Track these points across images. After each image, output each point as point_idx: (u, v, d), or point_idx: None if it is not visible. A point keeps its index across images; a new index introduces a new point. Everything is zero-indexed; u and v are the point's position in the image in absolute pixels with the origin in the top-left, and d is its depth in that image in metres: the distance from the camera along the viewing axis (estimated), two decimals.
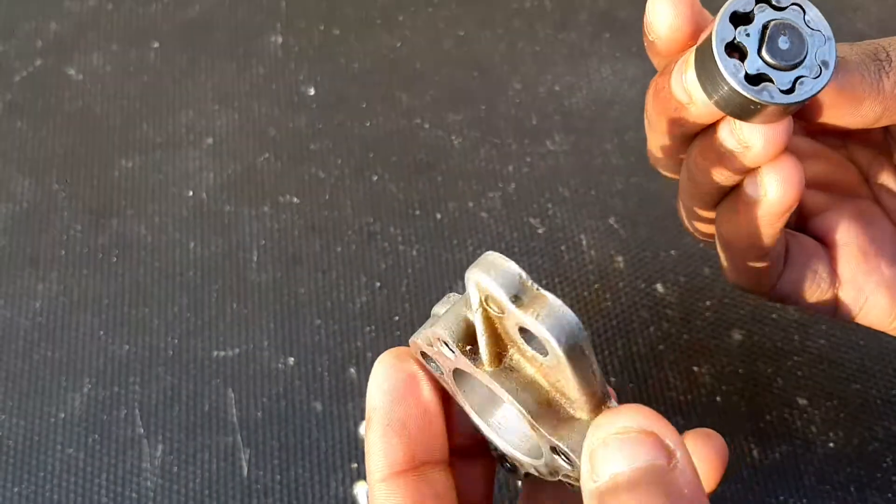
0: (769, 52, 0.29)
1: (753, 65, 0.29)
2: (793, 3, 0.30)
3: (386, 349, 0.47)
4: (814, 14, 0.30)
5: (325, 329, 0.48)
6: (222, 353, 0.47)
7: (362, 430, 0.45)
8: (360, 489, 0.43)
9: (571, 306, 0.46)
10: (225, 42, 0.58)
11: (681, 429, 0.44)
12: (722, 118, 0.33)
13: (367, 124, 0.55)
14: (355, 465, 0.45)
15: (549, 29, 0.59)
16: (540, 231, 0.51)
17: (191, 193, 0.52)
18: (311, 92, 0.56)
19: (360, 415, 0.46)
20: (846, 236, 0.38)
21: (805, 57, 0.30)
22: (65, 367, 0.47)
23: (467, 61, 0.58)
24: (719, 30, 0.29)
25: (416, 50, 0.58)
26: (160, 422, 0.46)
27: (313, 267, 0.50)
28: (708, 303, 0.49)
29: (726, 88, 0.30)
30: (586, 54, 0.58)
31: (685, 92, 0.33)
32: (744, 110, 0.31)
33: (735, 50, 0.30)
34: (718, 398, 0.47)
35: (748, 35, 0.29)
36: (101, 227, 0.51)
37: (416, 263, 0.50)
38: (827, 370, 0.48)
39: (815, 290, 0.38)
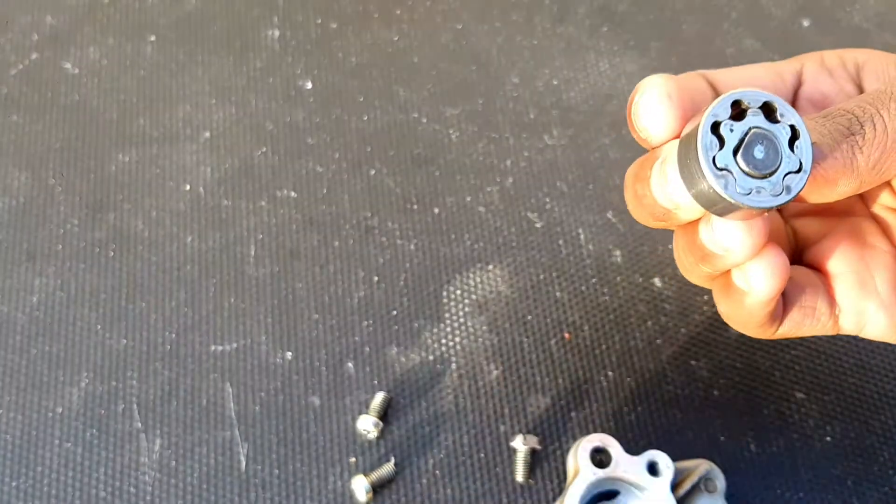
0: (744, 159, 0.30)
1: (740, 177, 0.30)
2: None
3: (384, 343, 0.47)
4: (785, 110, 0.30)
5: (322, 323, 0.48)
6: (220, 348, 0.47)
7: (360, 424, 0.45)
8: (357, 484, 0.43)
9: (569, 301, 0.46)
10: (222, 36, 0.58)
11: (678, 423, 0.45)
12: (700, 218, 0.33)
13: (365, 118, 0.55)
14: (353, 460, 0.45)
15: (547, 23, 0.59)
16: (538, 225, 0.51)
17: (188, 188, 0.52)
18: (309, 86, 0.56)
19: (358, 409, 0.46)
20: (842, 265, 0.39)
21: (781, 160, 0.30)
22: (62, 362, 0.47)
23: (465, 55, 0.57)
24: (703, 142, 0.30)
25: (413, 44, 0.58)
26: (158, 416, 0.46)
27: (311, 261, 0.50)
28: (706, 297, 0.49)
29: (713, 194, 0.31)
30: (584, 48, 0.58)
31: (670, 201, 0.33)
32: (725, 210, 0.32)
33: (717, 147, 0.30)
34: (716, 392, 0.47)
35: (732, 130, 0.30)
36: (98, 222, 0.51)
37: (413, 258, 0.50)
38: (824, 365, 0.48)
39: (815, 326, 0.39)
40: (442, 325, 0.48)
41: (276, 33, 0.58)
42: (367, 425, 0.44)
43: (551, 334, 0.48)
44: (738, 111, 0.31)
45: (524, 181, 0.53)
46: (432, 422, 0.46)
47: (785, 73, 0.39)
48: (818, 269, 0.40)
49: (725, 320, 0.39)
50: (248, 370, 0.47)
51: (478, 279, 0.50)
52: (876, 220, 0.41)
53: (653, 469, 0.41)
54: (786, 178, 0.31)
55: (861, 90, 0.39)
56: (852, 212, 0.41)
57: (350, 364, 0.47)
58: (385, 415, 0.46)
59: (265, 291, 0.49)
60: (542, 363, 0.47)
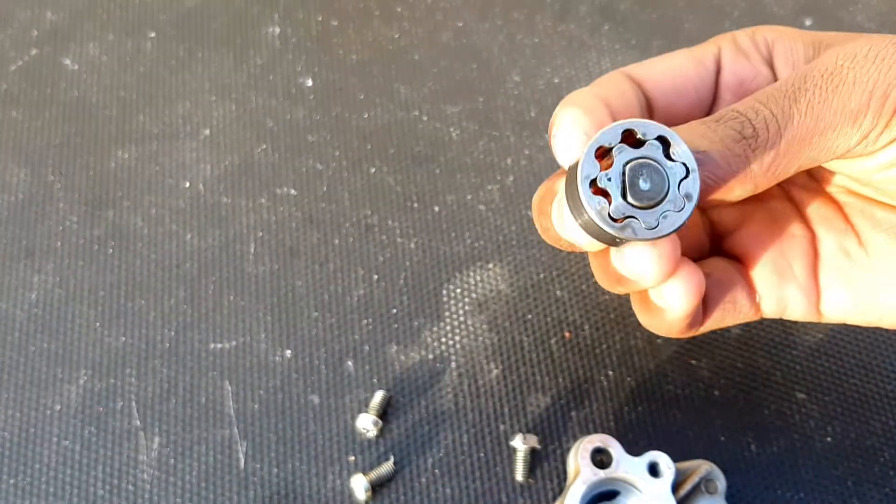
0: (632, 195, 0.30)
1: (618, 210, 0.30)
2: (655, 138, 0.30)
3: (383, 342, 0.47)
4: (677, 145, 0.30)
5: (322, 322, 0.48)
6: (219, 346, 0.47)
7: (359, 423, 0.44)
8: (356, 482, 0.43)
9: (570, 299, 0.46)
10: (222, 32, 0.58)
11: (678, 423, 0.44)
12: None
13: (366, 116, 0.55)
14: (352, 458, 0.44)
15: (549, 21, 0.59)
16: None
17: (188, 185, 0.52)
18: (309, 83, 0.56)
19: (357, 408, 0.46)
20: (759, 252, 0.40)
21: (667, 192, 0.30)
22: (61, 359, 0.47)
23: (466, 53, 0.57)
24: (584, 167, 0.30)
25: (414, 41, 0.58)
26: (157, 414, 0.45)
27: (311, 259, 0.50)
28: None
29: (596, 226, 0.31)
30: (586, 47, 0.58)
31: (571, 237, 0.34)
32: (616, 243, 0.33)
33: (599, 190, 0.30)
34: (717, 392, 0.47)
35: (609, 179, 0.30)
36: (97, 219, 0.51)
37: (413, 256, 0.50)
38: (825, 365, 0.48)
39: (737, 316, 0.40)
40: (442, 324, 0.48)
41: (277, 30, 0.58)
42: (367, 424, 0.44)
43: (551, 333, 0.48)
44: (630, 140, 0.31)
45: (525, 180, 0.53)
46: (432, 421, 0.45)
47: (705, 59, 0.39)
48: (737, 258, 0.41)
49: (647, 328, 0.40)
50: (247, 368, 0.47)
51: (478, 278, 0.49)
52: (794, 203, 0.41)
53: (653, 470, 0.41)
54: (681, 186, 0.30)
55: (773, 70, 0.39)
56: (769, 195, 0.41)
57: (349, 362, 0.47)
58: (384, 413, 0.45)
59: (265, 289, 0.49)
60: (542, 362, 0.47)
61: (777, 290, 0.39)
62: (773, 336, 0.48)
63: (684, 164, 0.30)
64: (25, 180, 0.52)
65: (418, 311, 0.48)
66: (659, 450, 0.41)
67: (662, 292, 0.35)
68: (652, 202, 0.30)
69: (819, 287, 0.39)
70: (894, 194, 0.36)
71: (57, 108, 0.54)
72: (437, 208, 0.52)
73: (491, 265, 0.50)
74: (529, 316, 0.48)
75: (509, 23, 0.59)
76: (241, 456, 0.45)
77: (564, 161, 0.34)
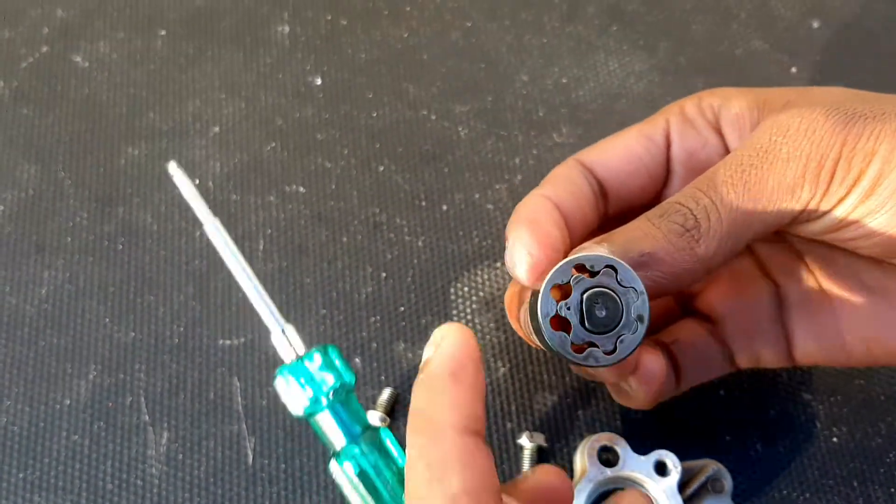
0: (590, 323, 0.33)
1: (579, 337, 0.33)
2: (606, 266, 0.32)
3: (391, 340, 0.47)
4: (624, 273, 0.32)
5: (330, 319, 0.48)
6: (228, 342, 0.47)
7: (367, 419, 0.45)
8: (371, 415, 0.43)
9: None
10: (232, 31, 0.58)
11: (684, 422, 0.44)
12: None
13: (374, 115, 0.55)
14: None
15: (557, 21, 0.59)
16: None
17: (197, 182, 0.52)
18: (318, 82, 0.56)
19: (365, 405, 0.46)
20: (726, 311, 0.41)
21: (622, 317, 0.32)
22: (70, 354, 0.47)
23: (474, 53, 0.58)
24: (542, 306, 0.33)
25: (423, 41, 0.58)
26: (165, 409, 0.46)
27: (319, 257, 0.50)
28: None
29: (558, 355, 0.33)
30: (594, 47, 0.58)
31: (535, 343, 0.37)
32: (581, 367, 0.36)
33: (561, 319, 0.33)
34: (723, 392, 0.47)
35: (569, 308, 0.33)
36: (107, 215, 0.51)
37: (421, 254, 0.50)
38: (831, 366, 0.48)
39: (711, 374, 0.42)
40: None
41: (286, 29, 0.58)
42: (375, 421, 0.44)
43: None
44: (582, 272, 0.33)
45: (533, 179, 0.53)
46: None
47: (655, 135, 0.41)
48: (707, 317, 0.42)
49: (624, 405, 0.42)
50: (255, 364, 0.47)
51: (485, 276, 0.50)
52: (754, 255, 0.43)
53: (660, 469, 0.41)
54: (634, 309, 0.33)
55: (722, 136, 0.40)
56: None
57: (357, 360, 0.47)
58: (392, 411, 0.46)
59: (273, 286, 0.49)
60: (549, 361, 0.47)
61: (748, 344, 0.41)
62: None
63: (634, 288, 0.32)
64: (36, 176, 0.52)
65: (426, 309, 0.49)
66: (665, 449, 0.42)
67: (629, 383, 0.38)
68: (608, 328, 0.33)
69: (788, 335, 0.41)
70: (850, 246, 0.37)
71: (67, 106, 0.55)
72: (445, 207, 0.52)
73: (498, 264, 0.50)
74: None
75: (517, 23, 0.59)
76: (250, 451, 0.45)
77: (519, 279, 0.36)
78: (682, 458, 0.41)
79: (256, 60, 0.57)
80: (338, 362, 0.34)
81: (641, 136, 0.41)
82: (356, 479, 0.34)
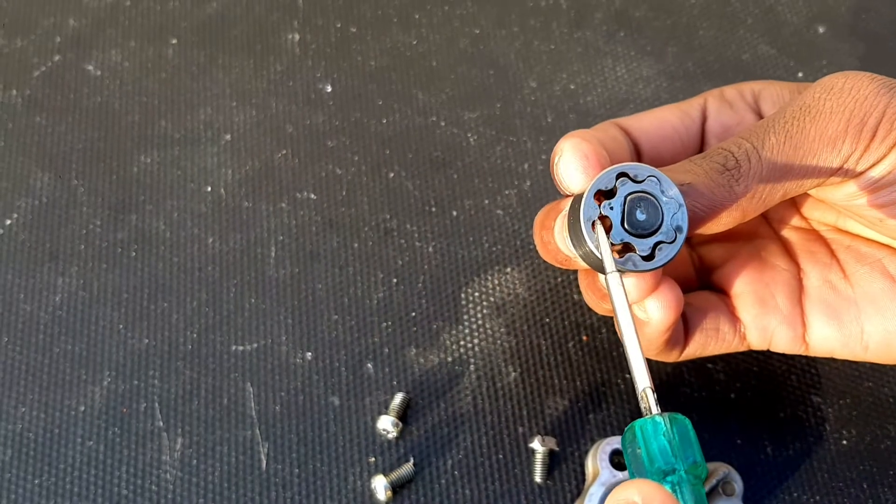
0: (629, 223, 0.34)
1: (617, 236, 0.34)
2: (649, 176, 0.34)
3: (403, 345, 0.48)
4: (666, 184, 0.34)
5: (342, 324, 0.49)
6: (241, 348, 0.48)
7: (379, 424, 0.45)
8: (377, 483, 0.43)
9: (587, 304, 0.46)
10: (242, 39, 0.58)
11: (695, 425, 0.45)
12: None
13: (384, 121, 0.55)
14: (373, 459, 0.45)
15: (565, 28, 0.60)
16: None
17: (209, 189, 0.53)
18: (329, 89, 0.56)
19: (378, 409, 0.46)
20: (743, 285, 0.42)
21: (661, 224, 0.34)
22: (85, 361, 0.47)
23: (483, 59, 0.58)
24: (585, 209, 0.34)
25: (432, 48, 0.58)
26: (179, 415, 0.46)
27: (330, 263, 0.50)
28: None
29: (595, 258, 0.34)
30: (601, 53, 0.58)
31: (568, 251, 0.37)
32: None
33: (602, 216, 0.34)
34: (733, 395, 0.47)
35: (612, 208, 0.34)
36: (120, 223, 0.51)
37: (432, 260, 0.51)
38: (840, 368, 0.48)
39: (720, 345, 0.42)
40: (460, 327, 0.49)
41: (297, 37, 0.58)
42: (387, 425, 0.45)
43: (569, 337, 0.48)
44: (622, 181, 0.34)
45: (542, 185, 0.53)
46: (451, 423, 0.46)
47: (691, 111, 0.42)
48: (723, 291, 0.43)
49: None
50: (268, 370, 0.47)
51: (496, 282, 0.50)
52: (782, 241, 0.43)
53: None
54: (673, 220, 0.34)
55: (761, 117, 0.41)
56: (757, 235, 0.44)
57: (369, 365, 0.48)
58: (404, 415, 0.46)
59: (285, 292, 0.49)
60: (559, 365, 0.48)
61: (760, 320, 0.41)
62: None
63: (675, 200, 0.34)
64: (49, 184, 0.53)
65: (437, 315, 0.49)
66: None
67: (645, 305, 0.38)
68: (646, 232, 0.34)
69: (805, 319, 0.41)
70: (878, 220, 0.37)
71: (80, 114, 0.55)
72: (455, 213, 0.52)
73: (509, 269, 0.50)
74: (547, 319, 0.49)
75: (526, 30, 0.59)
76: (263, 457, 0.45)
77: (567, 185, 0.36)
78: None
79: (267, 68, 0.57)
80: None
81: (677, 110, 0.42)
82: None
